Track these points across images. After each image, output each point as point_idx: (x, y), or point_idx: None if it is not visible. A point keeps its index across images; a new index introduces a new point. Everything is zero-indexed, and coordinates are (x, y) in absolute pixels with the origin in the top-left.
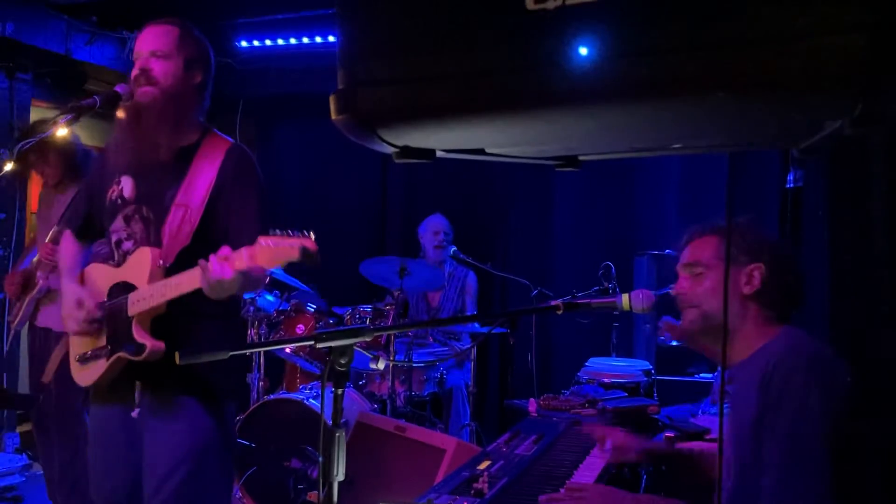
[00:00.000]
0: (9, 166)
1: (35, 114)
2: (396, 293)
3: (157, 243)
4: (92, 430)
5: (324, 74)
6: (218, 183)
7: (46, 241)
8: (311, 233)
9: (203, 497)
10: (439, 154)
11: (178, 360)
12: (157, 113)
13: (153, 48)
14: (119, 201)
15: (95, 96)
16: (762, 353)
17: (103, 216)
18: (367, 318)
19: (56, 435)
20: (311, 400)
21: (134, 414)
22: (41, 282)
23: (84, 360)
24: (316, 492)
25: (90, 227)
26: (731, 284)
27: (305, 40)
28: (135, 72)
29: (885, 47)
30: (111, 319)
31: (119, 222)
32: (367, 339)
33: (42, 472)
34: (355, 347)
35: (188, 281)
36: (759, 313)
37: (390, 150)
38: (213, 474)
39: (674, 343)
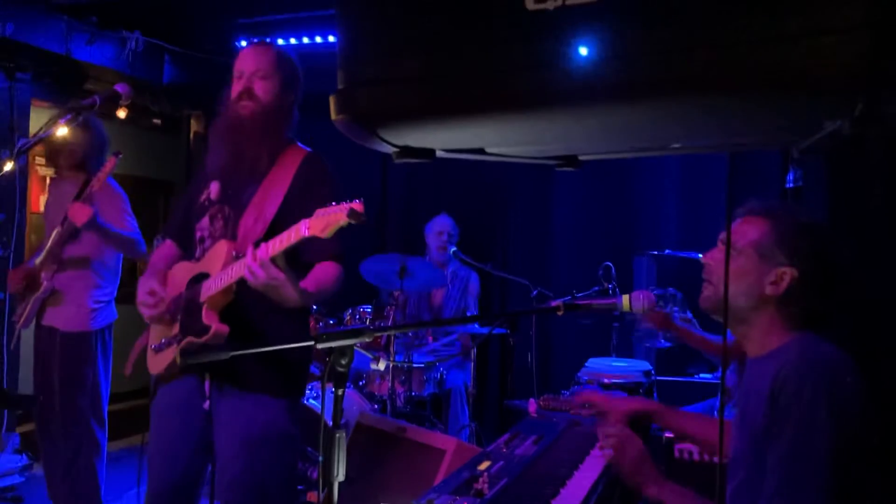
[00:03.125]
0: (9, 166)
1: (35, 114)
2: (397, 294)
3: (233, 238)
4: (155, 415)
5: (324, 74)
6: (293, 186)
7: (51, 236)
8: (359, 199)
9: (265, 485)
10: (439, 154)
11: (178, 361)
12: (256, 125)
13: (255, 68)
14: (207, 202)
15: (95, 96)
16: (776, 355)
17: (193, 218)
18: (367, 318)
19: (59, 435)
20: (311, 400)
21: (205, 406)
22: (45, 282)
23: (159, 349)
24: (316, 492)
25: (186, 233)
26: (756, 279)
27: (305, 40)
28: (238, 88)
29: (885, 47)
30: (187, 308)
31: (205, 221)
32: (368, 340)
33: (42, 472)
34: (355, 348)
35: (238, 266)
36: (779, 315)
37: (390, 149)
38: (275, 464)
39: (664, 344)
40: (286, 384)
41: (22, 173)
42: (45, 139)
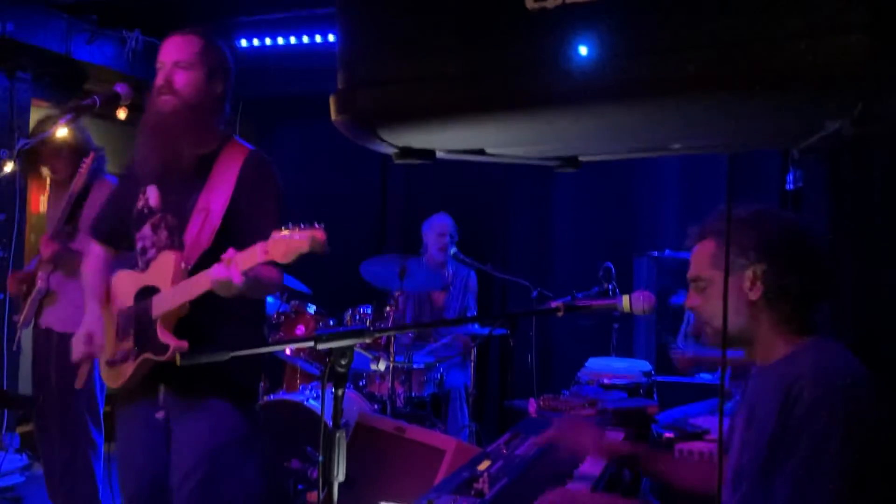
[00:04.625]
0: (9, 167)
1: (35, 114)
2: (397, 294)
3: (179, 248)
4: (118, 430)
5: (324, 74)
6: (238, 189)
7: (45, 237)
8: (320, 224)
9: (227, 492)
10: (439, 155)
11: (178, 362)
12: (178, 123)
13: (176, 58)
14: (146, 211)
15: (95, 96)
16: (787, 363)
17: (131, 226)
18: (367, 319)
19: (57, 436)
20: (311, 401)
21: (158, 416)
22: (40, 283)
23: (112, 363)
24: (316, 492)
25: (117, 236)
26: (735, 293)
27: (305, 40)
28: (158, 81)
29: (885, 47)
30: (137, 323)
31: (146, 230)
32: (368, 341)
33: (42, 471)
34: (355, 349)
35: (202, 281)
36: (778, 317)
37: (390, 150)
38: (237, 471)
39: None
40: (239, 391)
41: (22, 173)
42: (44, 140)
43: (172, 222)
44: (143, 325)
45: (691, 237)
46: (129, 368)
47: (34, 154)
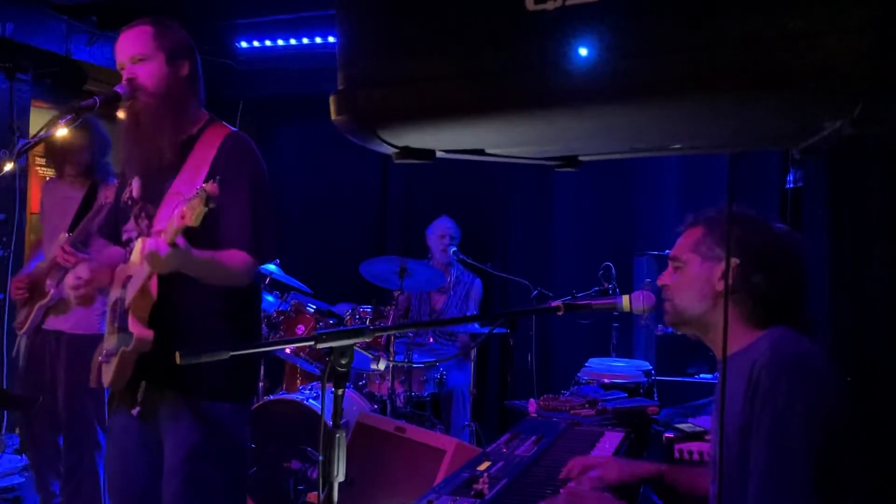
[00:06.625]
0: (9, 167)
1: (35, 115)
2: (397, 294)
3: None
4: (109, 432)
5: (324, 75)
6: (213, 168)
7: (63, 243)
8: (215, 179)
9: (212, 491)
10: (439, 154)
11: (178, 361)
12: (153, 116)
13: (131, 54)
14: (129, 202)
15: (95, 97)
16: (747, 351)
17: (120, 220)
18: (367, 318)
19: (65, 438)
20: (311, 400)
21: (133, 412)
22: (52, 290)
23: (105, 360)
24: (316, 492)
25: (116, 235)
26: (705, 279)
27: (305, 41)
28: (123, 82)
29: (886, 48)
30: (121, 316)
31: (131, 222)
32: (368, 340)
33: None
34: (355, 348)
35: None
36: (737, 311)
37: (390, 150)
38: (217, 475)
39: (669, 331)
40: (224, 391)
41: (22, 174)
42: (46, 141)
43: (151, 210)
44: (122, 317)
45: (686, 222)
46: (113, 364)
47: (49, 151)
